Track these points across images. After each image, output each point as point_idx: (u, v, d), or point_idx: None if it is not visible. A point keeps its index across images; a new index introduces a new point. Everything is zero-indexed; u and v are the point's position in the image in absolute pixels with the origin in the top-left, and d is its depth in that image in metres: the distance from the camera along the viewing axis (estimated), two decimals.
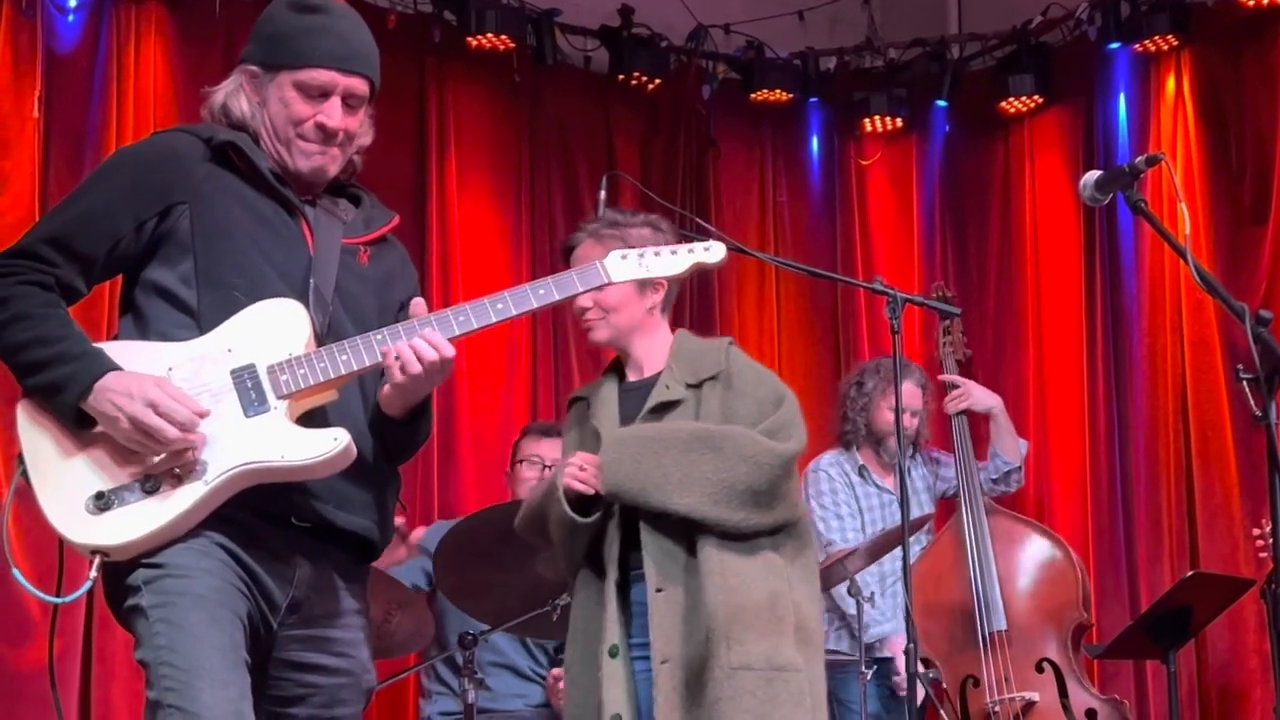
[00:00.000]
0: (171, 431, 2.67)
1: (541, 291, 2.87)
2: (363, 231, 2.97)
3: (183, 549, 2.68)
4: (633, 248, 3.12)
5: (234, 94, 2.91)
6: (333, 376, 2.75)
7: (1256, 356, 2.73)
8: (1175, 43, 6.28)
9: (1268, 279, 5.97)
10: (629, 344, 3.54)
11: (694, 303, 6.57)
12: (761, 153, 6.98)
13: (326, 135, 2.87)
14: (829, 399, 6.76)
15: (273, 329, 2.76)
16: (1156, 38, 6.28)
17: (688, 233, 3.71)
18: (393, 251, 3.04)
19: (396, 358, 2.75)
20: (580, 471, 3.33)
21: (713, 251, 3.01)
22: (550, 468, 5.44)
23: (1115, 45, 6.45)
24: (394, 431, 2.88)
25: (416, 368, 2.75)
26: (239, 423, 2.72)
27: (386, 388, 2.82)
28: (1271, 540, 2.76)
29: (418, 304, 2.88)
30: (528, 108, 6.47)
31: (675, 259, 2.98)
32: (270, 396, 2.73)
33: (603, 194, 4.53)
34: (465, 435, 6.08)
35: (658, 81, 6.61)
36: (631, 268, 2.93)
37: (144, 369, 2.71)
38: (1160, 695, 5.96)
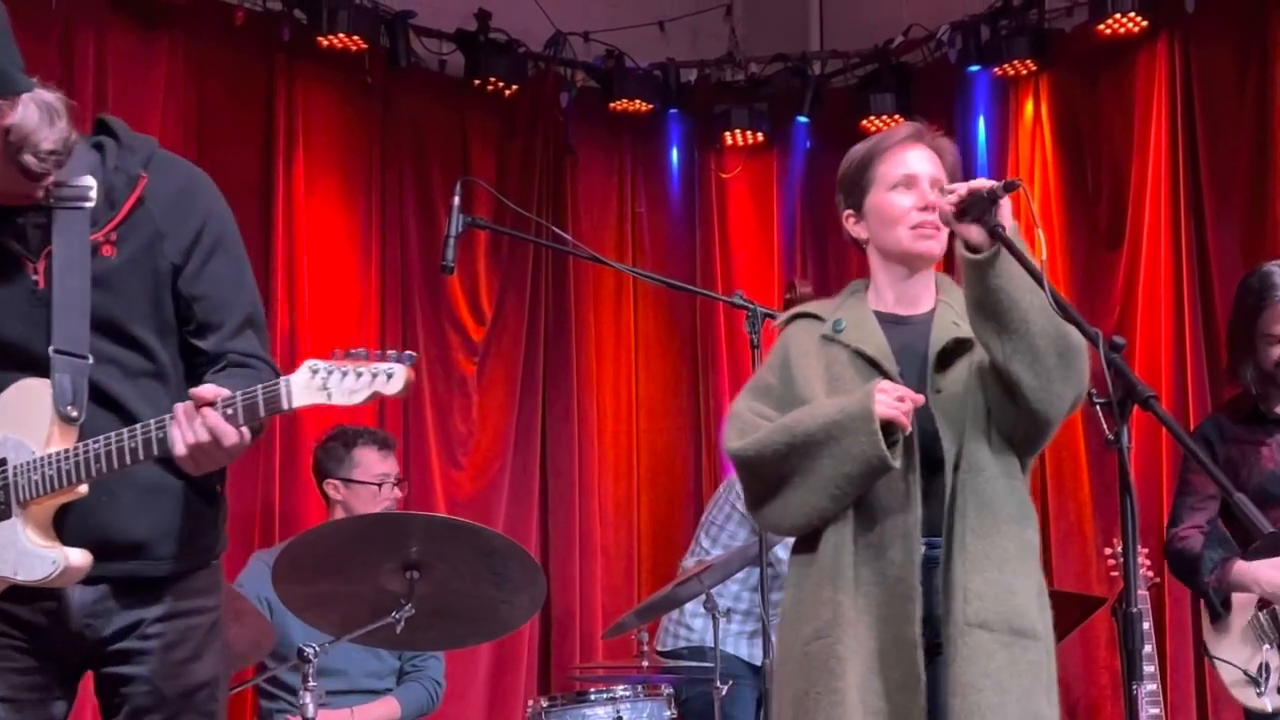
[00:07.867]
0: None
1: (230, 411, 2.56)
2: (107, 215, 2.66)
3: None
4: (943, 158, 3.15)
5: None
6: (74, 483, 2.58)
7: (1110, 381, 2.76)
8: (1034, 67, 6.32)
9: (1121, 303, 6.03)
10: (925, 270, 3.19)
11: (549, 312, 6.41)
12: (620, 162, 6.88)
13: None
14: (686, 411, 6.74)
15: (22, 416, 2.60)
16: (1015, 62, 6.31)
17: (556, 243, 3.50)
18: (150, 203, 2.67)
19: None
20: (901, 404, 2.91)
21: (394, 381, 2.60)
22: (402, 483, 5.20)
23: (975, 68, 6.47)
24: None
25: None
26: None
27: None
28: (1122, 560, 2.77)
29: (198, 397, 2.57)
30: (380, 109, 6.28)
31: (359, 382, 2.60)
32: (13, 504, 2.60)
33: (456, 199, 4.42)
34: (309, 442, 5.86)
35: (515, 87, 6.48)
36: (314, 391, 2.59)
37: None
38: None
